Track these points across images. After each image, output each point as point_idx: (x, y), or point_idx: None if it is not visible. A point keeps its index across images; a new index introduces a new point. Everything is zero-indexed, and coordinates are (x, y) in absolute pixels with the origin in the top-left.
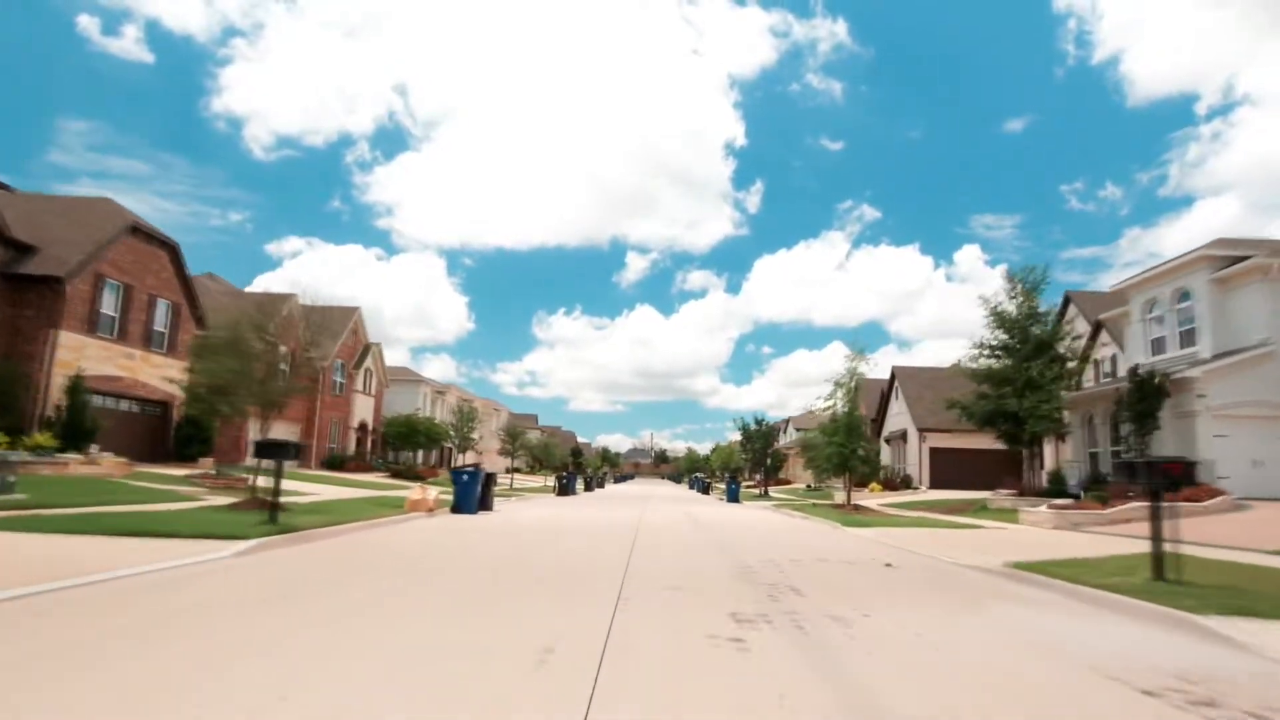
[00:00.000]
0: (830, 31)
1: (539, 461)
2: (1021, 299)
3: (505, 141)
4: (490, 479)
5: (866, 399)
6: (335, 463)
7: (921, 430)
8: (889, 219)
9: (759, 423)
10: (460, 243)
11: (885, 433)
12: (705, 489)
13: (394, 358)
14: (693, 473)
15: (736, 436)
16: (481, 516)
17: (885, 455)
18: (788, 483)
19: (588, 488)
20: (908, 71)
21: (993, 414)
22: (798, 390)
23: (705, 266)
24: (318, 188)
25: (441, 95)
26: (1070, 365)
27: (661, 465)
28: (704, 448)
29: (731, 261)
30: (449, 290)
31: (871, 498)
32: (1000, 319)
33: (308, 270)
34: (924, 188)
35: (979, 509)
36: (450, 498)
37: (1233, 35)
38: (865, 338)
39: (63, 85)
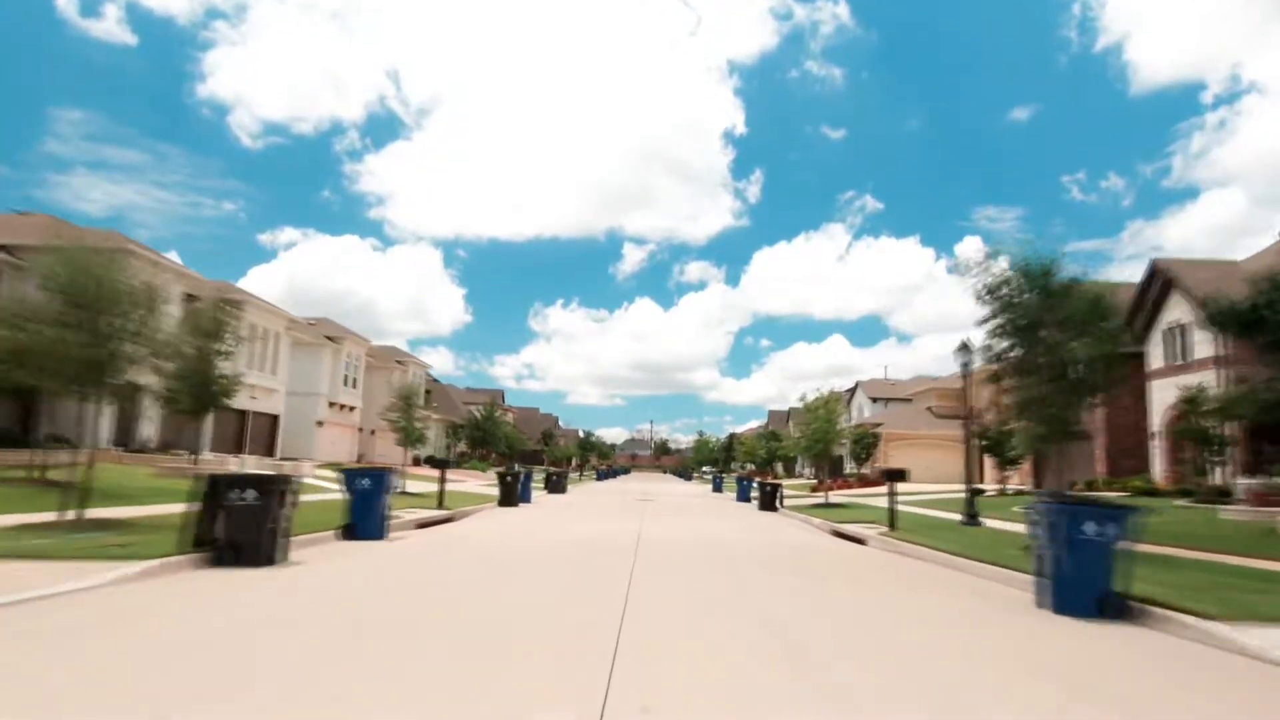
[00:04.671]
0: (832, 14)
1: (480, 445)
2: None
3: (499, 129)
4: None
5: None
6: None
7: None
8: (890, 210)
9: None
10: (454, 234)
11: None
12: (770, 498)
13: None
14: (703, 465)
15: (754, 426)
16: None
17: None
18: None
19: (507, 499)
20: (909, 58)
21: None
22: (798, 385)
23: (704, 258)
24: (309, 177)
25: (434, 81)
26: None
27: (663, 458)
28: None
29: (730, 253)
30: (445, 282)
31: None
32: None
33: (304, 262)
34: (925, 179)
35: None
36: None
37: (1239, 22)
38: (863, 332)
39: (50, 71)
